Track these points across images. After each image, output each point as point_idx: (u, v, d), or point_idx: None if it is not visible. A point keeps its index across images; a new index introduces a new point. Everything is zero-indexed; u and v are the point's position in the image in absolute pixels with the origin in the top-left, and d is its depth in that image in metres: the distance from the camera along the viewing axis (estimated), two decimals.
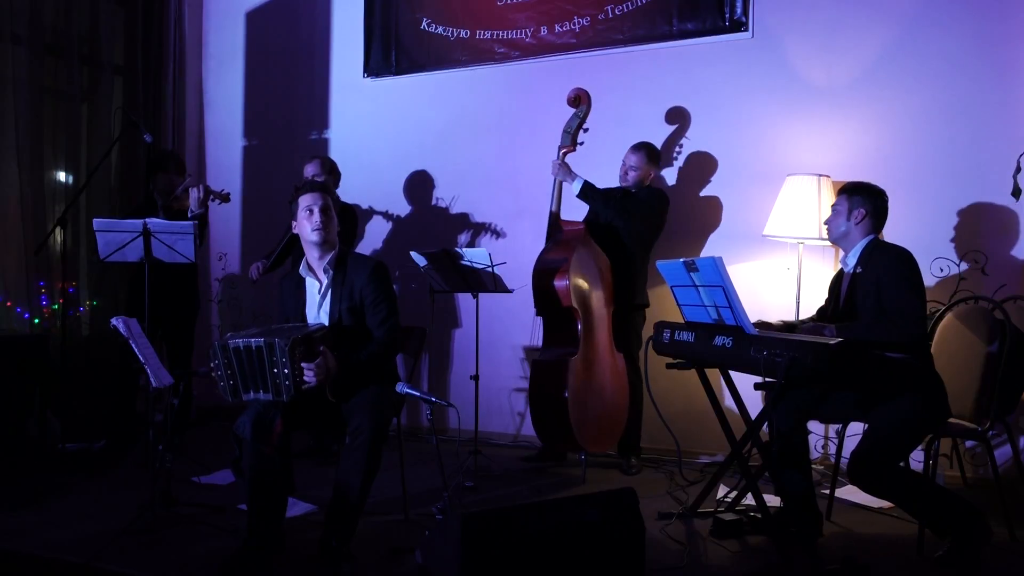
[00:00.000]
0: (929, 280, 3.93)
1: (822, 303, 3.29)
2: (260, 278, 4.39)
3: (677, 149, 4.52)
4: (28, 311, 4.46)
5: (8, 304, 4.42)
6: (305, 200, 2.99)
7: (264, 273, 4.37)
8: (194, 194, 4.11)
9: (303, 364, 2.71)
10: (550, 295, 3.95)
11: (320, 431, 4.09)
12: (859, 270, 3.01)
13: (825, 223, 3.22)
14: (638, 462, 4.17)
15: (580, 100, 4.20)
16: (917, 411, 2.82)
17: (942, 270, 3.95)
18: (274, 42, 5.58)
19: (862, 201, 3.03)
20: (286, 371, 2.69)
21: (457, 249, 3.92)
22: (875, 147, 4.09)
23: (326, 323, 2.99)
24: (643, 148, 4.15)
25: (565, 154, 4.18)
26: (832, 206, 3.15)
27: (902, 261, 2.90)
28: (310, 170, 4.38)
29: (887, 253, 2.95)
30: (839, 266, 3.18)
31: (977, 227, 3.91)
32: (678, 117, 4.51)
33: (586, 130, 4.21)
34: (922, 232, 3.97)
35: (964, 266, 3.91)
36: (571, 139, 4.19)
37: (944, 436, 3.10)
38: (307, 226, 2.98)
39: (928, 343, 2.97)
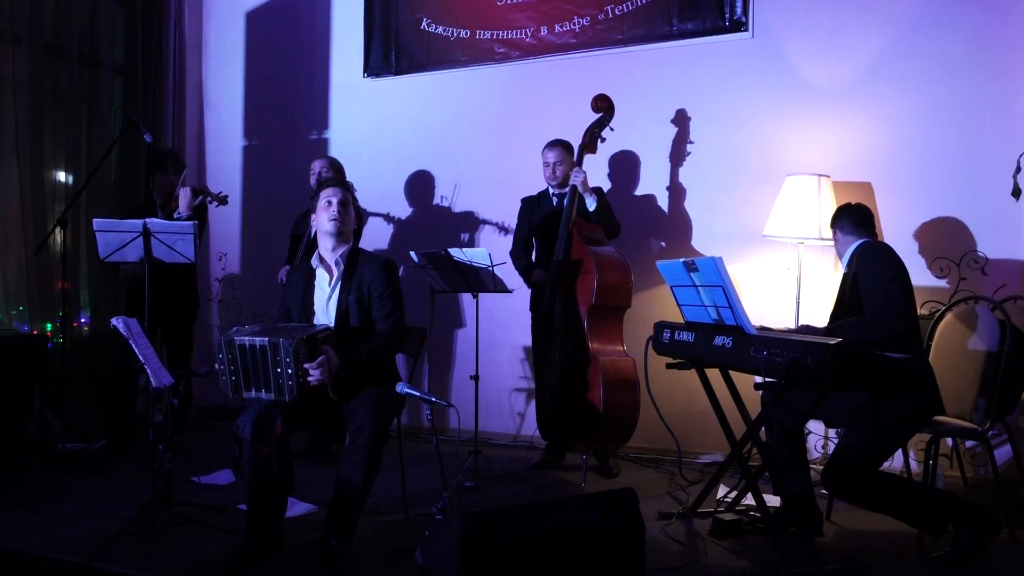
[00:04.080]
0: (929, 280, 3.93)
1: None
2: None
3: (688, 148, 4.49)
4: (29, 312, 4.46)
5: (8, 304, 4.42)
6: (326, 193, 3.08)
7: None
8: (183, 195, 4.10)
9: (306, 364, 2.72)
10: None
11: (320, 431, 4.09)
12: (846, 270, 3.10)
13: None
14: (616, 463, 4.18)
15: (604, 106, 4.10)
16: (894, 416, 2.82)
17: (942, 270, 3.95)
18: (274, 42, 5.59)
19: (839, 221, 3.20)
20: (289, 371, 2.69)
21: (454, 249, 3.91)
22: (875, 147, 4.10)
23: (334, 313, 3.01)
24: (563, 143, 4.14)
25: (581, 156, 4.08)
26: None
27: (876, 254, 2.96)
28: (317, 166, 4.43)
29: (867, 250, 3.02)
30: (837, 271, 3.22)
31: (977, 227, 3.90)
32: (682, 119, 4.50)
33: (603, 139, 4.13)
34: (922, 232, 3.98)
35: (964, 266, 3.91)
36: (593, 142, 4.09)
37: (944, 436, 3.10)
38: (324, 216, 3.05)
39: (917, 339, 2.96)
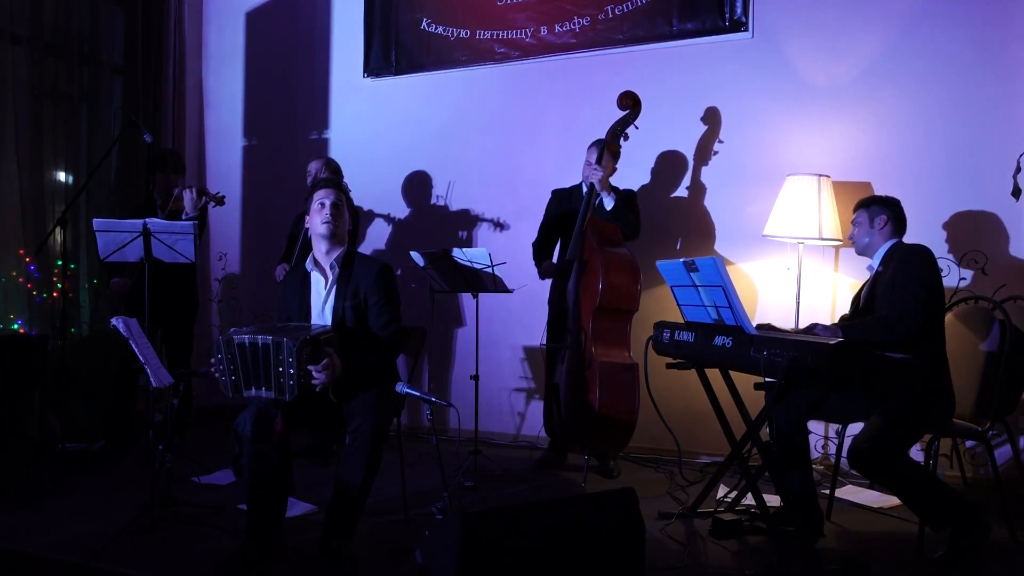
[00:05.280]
0: None
1: (845, 312, 3.31)
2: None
3: (715, 149, 4.45)
4: (28, 312, 4.46)
5: (8, 305, 4.42)
6: (319, 195, 3.05)
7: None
8: (188, 197, 4.10)
9: (310, 367, 2.72)
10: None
11: (320, 431, 4.09)
12: (880, 269, 3.08)
13: (849, 238, 3.31)
14: (616, 464, 4.16)
15: (630, 103, 4.07)
16: (918, 404, 2.83)
17: (942, 270, 3.93)
18: (274, 42, 5.58)
19: (881, 209, 3.13)
20: (292, 371, 2.69)
21: (454, 249, 3.91)
22: (875, 147, 4.10)
23: (329, 318, 3.00)
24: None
25: (602, 154, 4.02)
26: (852, 221, 3.23)
27: (916, 257, 2.96)
28: (314, 167, 4.42)
29: (905, 251, 3.02)
30: (837, 271, 3.21)
31: (977, 227, 3.91)
32: (682, 119, 4.49)
33: (626, 137, 4.10)
34: (922, 232, 3.95)
35: (964, 266, 3.91)
36: (616, 140, 4.06)
37: (944, 436, 3.10)
38: (317, 219, 3.01)
39: (936, 342, 2.96)
